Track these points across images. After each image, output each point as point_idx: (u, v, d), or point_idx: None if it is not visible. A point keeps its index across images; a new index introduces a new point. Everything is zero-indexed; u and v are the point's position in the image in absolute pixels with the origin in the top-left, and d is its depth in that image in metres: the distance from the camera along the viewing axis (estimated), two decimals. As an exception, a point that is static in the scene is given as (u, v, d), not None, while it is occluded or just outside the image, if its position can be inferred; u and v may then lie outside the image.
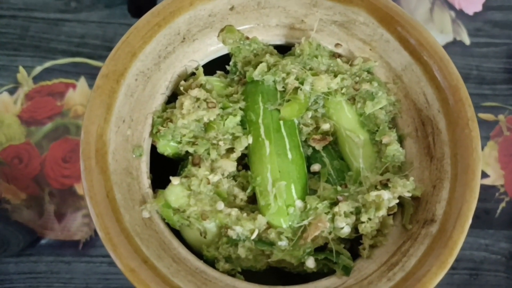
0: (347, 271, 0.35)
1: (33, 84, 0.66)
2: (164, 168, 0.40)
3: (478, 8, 0.73)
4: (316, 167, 0.39)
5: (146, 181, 0.37)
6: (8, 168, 0.61)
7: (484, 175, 0.65)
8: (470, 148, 0.33)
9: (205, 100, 0.38)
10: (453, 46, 0.71)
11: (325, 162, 0.39)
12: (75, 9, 0.70)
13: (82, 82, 0.66)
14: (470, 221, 0.32)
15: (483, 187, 0.65)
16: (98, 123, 0.34)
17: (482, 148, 0.66)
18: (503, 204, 0.65)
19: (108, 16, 0.70)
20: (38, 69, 0.67)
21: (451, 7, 0.73)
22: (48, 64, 0.67)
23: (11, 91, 0.65)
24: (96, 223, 0.31)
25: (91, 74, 0.67)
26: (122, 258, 0.30)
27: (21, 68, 0.66)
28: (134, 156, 0.37)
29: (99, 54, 0.68)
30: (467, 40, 0.71)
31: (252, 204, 0.39)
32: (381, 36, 0.39)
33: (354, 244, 0.37)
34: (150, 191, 0.37)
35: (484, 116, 0.68)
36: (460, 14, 0.73)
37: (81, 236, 0.60)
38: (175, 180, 0.37)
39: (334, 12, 0.40)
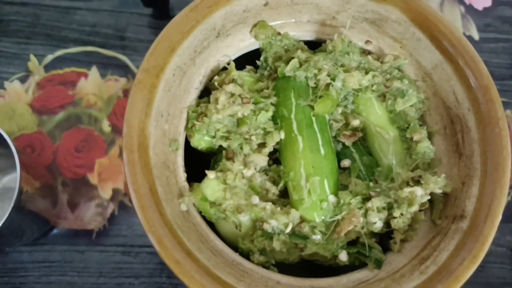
0: (379, 264, 0.36)
1: (44, 72, 0.66)
2: (192, 162, 0.41)
3: (488, 3, 0.74)
4: (346, 162, 0.41)
5: (182, 174, 0.38)
6: (23, 156, 0.61)
7: (491, 169, 0.67)
8: (500, 147, 0.35)
9: (239, 95, 0.39)
10: (463, 41, 0.72)
11: (355, 158, 0.41)
12: (87, -3, 0.70)
13: (93, 71, 0.67)
14: (500, 217, 0.34)
15: (490, 181, 0.67)
16: (139, 117, 0.35)
17: (490, 143, 0.68)
18: (508, 198, 0.67)
19: (120, 5, 0.70)
20: (49, 57, 0.67)
21: (461, 2, 0.74)
22: (59, 52, 0.67)
23: (22, 80, 0.66)
24: (141, 216, 0.32)
25: (103, 64, 0.68)
26: (167, 250, 0.31)
27: (32, 57, 0.67)
28: (170, 149, 0.38)
29: (111, 43, 0.69)
30: (476, 35, 0.73)
31: (284, 198, 0.40)
32: (413, 35, 0.41)
33: (383, 238, 0.39)
34: (186, 184, 0.38)
35: (492, 111, 0.69)
36: (470, 9, 0.74)
37: (94, 226, 0.61)
38: (211, 174, 0.38)
39: (366, 9, 0.41)
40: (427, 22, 0.39)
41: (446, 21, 0.39)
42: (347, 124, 0.42)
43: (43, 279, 0.59)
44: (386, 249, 0.38)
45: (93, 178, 0.63)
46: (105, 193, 0.63)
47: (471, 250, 0.33)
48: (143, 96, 0.35)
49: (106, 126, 0.65)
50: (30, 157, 0.63)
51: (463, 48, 0.38)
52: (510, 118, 0.70)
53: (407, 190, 0.36)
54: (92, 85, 0.66)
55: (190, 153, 0.41)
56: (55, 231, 0.61)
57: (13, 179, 0.61)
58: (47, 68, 0.66)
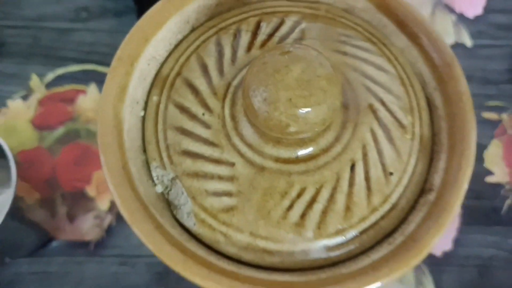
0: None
1: (45, 90, 0.70)
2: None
3: (479, 11, 0.76)
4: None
5: (158, 159, 0.40)
6: (23, 169, 0.64)
7: (489, 173, 0.68)
8: (465, 121, 0.36)
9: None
10: (455, 49, 0.74)
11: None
12: (85, 19, 0.74)
13: (92, 88, 0.70)
14: (465, 186, 0.35)
15: (489, 185, 0.67)
16: (113, 102, 0.37)
17: (486, 147, 0.69)
18: (509, 201, 0.67)
19: (117, 25, 0.74)
20: (50, 76, 0.71)
21: (452, 11, 0.76)
22: (60, 71, 0.71)
23: (24, 98, 0.69)
24: (114, 192, 0.34)
25: (101, 81, 0.71)
26: (137, 223, 0.33)
27: (33, 76, 0.70)
28: (147, 136, 0.40)
29: (108, 61, 0.71)
30: (469, 43, 0.75)
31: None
32: (380, 21, 0.43)
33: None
34: (162, 168, 0.40)
35: (487, 115, 0.70)
36: (461, 18, 0.76)
37: (92, 237, 0.63)
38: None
39: (335, 1, 0.44)
40: (391, 8, 0.41)
41: (408, 6, 0.41)
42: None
43: (41, 290, 0.60)
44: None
45: (91, 191, 0.65)
46: (103, 204, 0.65)
47: (437, 219, 0.34)
48: (117, 83, 0.38)
49: (104, 140, 0.67)
50: (30, 170, 0.66)
51: (426, 30, 0.40)
52: (507, 122, 0.71)
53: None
54: (91, 101, 0.70)
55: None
56: (54, 243, 0.63)
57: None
58: (48, 86, 0.70)
